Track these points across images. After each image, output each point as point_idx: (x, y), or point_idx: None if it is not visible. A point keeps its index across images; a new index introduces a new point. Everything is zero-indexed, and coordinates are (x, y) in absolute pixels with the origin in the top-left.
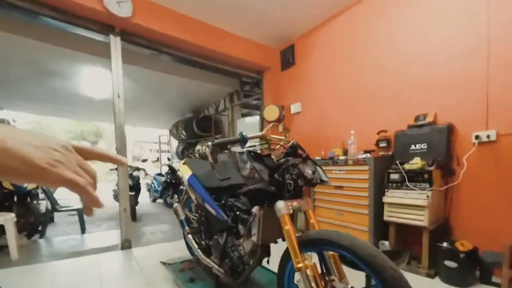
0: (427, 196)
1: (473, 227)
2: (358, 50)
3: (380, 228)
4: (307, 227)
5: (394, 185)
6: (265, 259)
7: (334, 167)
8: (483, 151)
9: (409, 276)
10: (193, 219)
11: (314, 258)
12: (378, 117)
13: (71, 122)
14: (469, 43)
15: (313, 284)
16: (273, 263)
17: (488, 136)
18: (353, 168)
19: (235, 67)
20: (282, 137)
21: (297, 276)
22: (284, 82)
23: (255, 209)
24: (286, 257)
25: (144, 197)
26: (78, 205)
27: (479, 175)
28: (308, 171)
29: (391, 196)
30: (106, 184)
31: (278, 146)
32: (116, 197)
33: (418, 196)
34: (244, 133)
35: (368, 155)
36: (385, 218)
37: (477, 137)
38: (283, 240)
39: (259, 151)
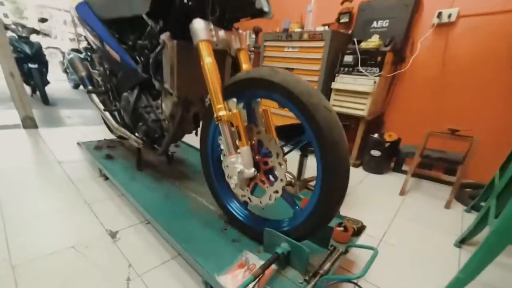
0: (374, 82)
1: (403, 122)
2: None
3: None
4: None
5: (346, 69)
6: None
7: (287, 43)
8: (439, 34)
9: None
10: (98, 77)
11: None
12: None
13: None
14: None
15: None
16: None
17: (449, 16)
18: (308, 45)
19: None
20: None
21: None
22: None
23: (164, 36)
24: (209, 112)
25: (61, 82)
26: None
27: (427, 64)
28: None
29: (340, 82)
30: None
31: None
32: None
33: (366, 82)
34: None
35: (327, 28)
36: None
37: (439, 15)
38: None
39: None
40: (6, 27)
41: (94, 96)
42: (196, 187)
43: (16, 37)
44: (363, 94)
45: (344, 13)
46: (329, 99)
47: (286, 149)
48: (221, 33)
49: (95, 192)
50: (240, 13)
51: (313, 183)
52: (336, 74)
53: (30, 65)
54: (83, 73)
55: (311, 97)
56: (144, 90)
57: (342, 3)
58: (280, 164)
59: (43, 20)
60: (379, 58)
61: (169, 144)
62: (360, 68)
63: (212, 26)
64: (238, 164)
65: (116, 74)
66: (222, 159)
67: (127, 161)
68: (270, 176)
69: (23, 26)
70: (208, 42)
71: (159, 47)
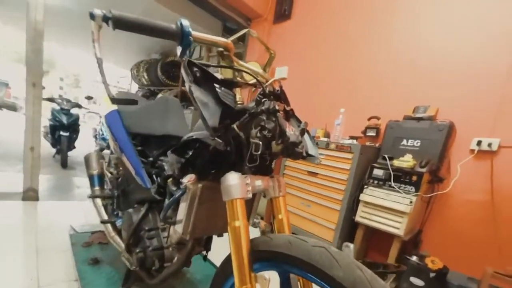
0: (411, 202)
1: (446, 243)
2: (364, 23)
3: (348, 228)
4: (273, 226)
5: (376, 182)
6: (202, 253)
7: None
8: (482, 160)
9: None
10: (109, 178)
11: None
12: (372, 102)
13: (22, 40)
14: (495, 33)
15: None
16: (216, 254)
17: (489, 145)
18: (335, 154)
19: (219, 1)
20: (258, 70)
21: None
22: (273, 38)
23: (187, 180)
24: (226, 270)
25: (87, 144)
26: None
27: (471, 188)
28: (291, 132)
29: (370, 194)
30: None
31: (250, 84)
32: (47, 135)
33: (401, 200)
34: (184, 22)
35: (355, 141)
36: (357, 218)
37: (478, 142)
38: None
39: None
40: (53, 100)
41: (98, 201)
42: None
43: (59, 108)
44: (399, 212)
45: (371, 128)
46: (356, 210)
47: None
48: (258, 182)
49: None
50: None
51: None
52: (365, 186)
53: (62, 133)
54: (95, 172)
55: None
56: (153, 209)
57: (369, 119)
58: None
59: (89, 97)
60: (414, 178)
61: (169, 276)
62: (393, 184)
63: (249, 180)
64: None
65: (128, 183)
66: None
67: (115, 270)
68: None
69: (68, 101)
70: (242, 201)
71: (179, 193)
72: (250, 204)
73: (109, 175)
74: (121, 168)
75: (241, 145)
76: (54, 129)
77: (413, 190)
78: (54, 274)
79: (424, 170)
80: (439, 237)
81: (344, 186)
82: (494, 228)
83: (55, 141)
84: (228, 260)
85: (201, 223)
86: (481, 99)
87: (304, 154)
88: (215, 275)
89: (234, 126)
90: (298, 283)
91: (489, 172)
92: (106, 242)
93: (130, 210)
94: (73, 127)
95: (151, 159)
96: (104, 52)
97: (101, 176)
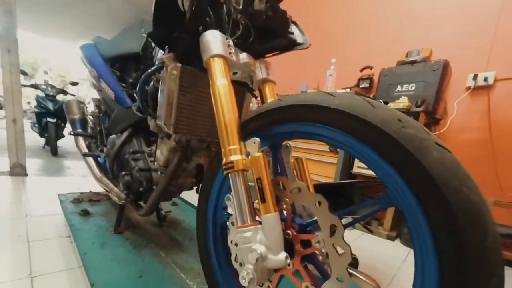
0: None
1: None
2: None
3: None
4: None
5: None
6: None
7: None
8: (478, 96)
9: (369, 238)
10: (91, 114)
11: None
12: (363, 52)
13: None
14: None
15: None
16: None
17: (485, 79)
18: None
19: None
20: None
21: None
22: None
23: (165, 56)
24: (216, 157)
25: None
26: None
27: (467, 126)
28: None
29: None
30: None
31: None
32: (33, 125)
33: None
34: None
35: (349, 90)
36: (354, 170)
37: (475, 76)
38: None
39: None
40: (37, 87)
41: (80, 139)
42: (189, 262)
43: (44, 95)
44: None
45: (364, 79)
46: (353, 163)
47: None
48: (243, 55)
49: (52, 259)
50: (268, 45)
51: None
52: None
53: (49, 119)
54: (76, 116)
55: (407, 127)
56: (138, 133)
57: (361, 70)
58: (335, 249)
59: (74, 83)
60: None
61: (158, 201)
62: None
63: (231, 43)
64: (257, 243)
65: (110, 116)
66: (228, 230)
67: (106, 220)
68: (313, 267)
69: (53, 87)
70: (224, 60)
71: (155, 66)
72: (239, 101)
73: (91, 117)
74: (102, 107)
75: (221, 10)
76: (41, 116)
77: None
78: (44, 232)
79: (420, 109)
80: None
81: None
82: (493, 164)
83: (43, 130)
84: (216, 154)
85: (185, 117)
86: (474, 34)
87: (291, 37)
88: (203, 181)
89: None
90: (296, 165)
91: (486, 107)
92: (97, 200)
93: (113, 136)
94: (60, 114)
95: (131, 80)
96: (86, 34)
97: (83, 121)
